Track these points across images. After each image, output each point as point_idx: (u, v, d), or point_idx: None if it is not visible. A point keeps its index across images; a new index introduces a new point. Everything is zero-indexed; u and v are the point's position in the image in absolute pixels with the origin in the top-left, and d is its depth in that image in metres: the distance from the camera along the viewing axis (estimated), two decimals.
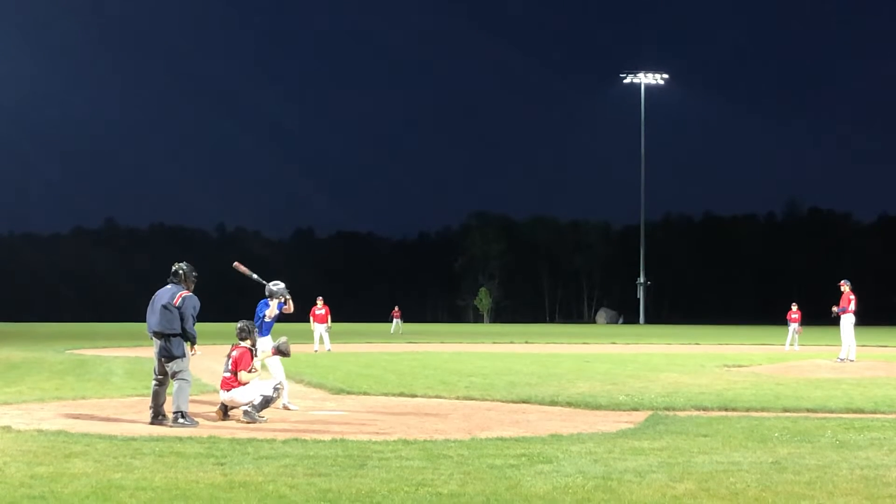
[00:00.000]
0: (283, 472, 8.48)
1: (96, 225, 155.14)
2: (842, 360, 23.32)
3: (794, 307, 37.78)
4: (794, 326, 37.32)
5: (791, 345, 36.66)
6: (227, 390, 12.70)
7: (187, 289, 12.39)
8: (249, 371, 12.78)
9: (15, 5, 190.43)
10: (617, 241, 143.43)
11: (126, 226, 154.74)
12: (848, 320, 24.16)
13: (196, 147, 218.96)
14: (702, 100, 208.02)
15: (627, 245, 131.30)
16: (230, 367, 12.77)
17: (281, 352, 13.70)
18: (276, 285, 14.18)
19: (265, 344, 13.84)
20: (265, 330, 14.03)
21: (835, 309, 24.75)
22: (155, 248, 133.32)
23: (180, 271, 12.47)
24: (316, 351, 31.55)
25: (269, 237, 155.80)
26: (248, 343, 12.99)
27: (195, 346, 12.41)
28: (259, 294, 14.31)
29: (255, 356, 13.10)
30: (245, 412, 12.48)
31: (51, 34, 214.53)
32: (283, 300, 14.07)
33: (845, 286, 24.47)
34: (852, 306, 24.29)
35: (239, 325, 13.10)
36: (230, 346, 13.16)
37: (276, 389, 12.91)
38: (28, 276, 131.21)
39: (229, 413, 12.75)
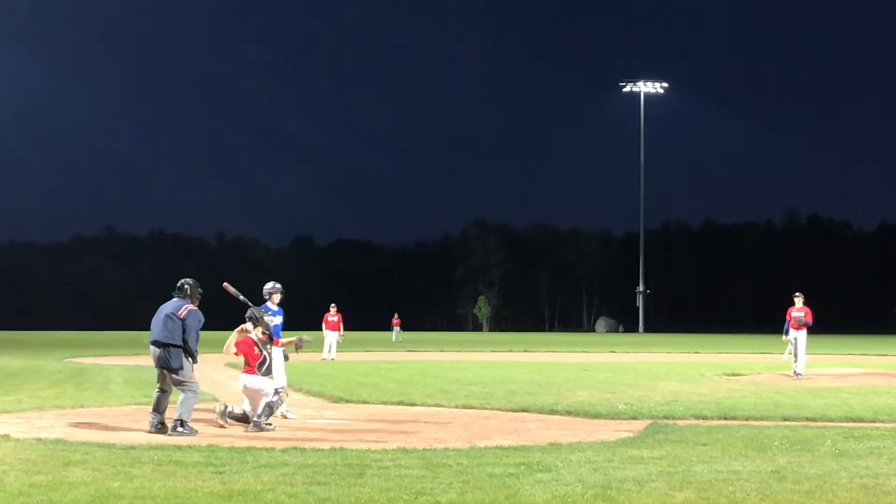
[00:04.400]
0: (282, 481, 8.47)
1: (96, 232, 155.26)
2: (799, 374, 22.70)
3: None
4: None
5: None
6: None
7: (192, 303, 12.42)
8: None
9: (15, 10, 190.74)
10: (617, 249, 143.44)
11: (126, 233, 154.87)
12: (804, 335, 23.29)
13: (196, 154, 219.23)
14: (701, 108, 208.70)
15: (627, 253, 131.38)
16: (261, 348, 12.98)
17: (300, 344, 13.91)
18: (271, 289, 14.23)
19: (276, 353, 13.84)
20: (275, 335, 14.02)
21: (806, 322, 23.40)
22: (155, 256, 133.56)
23: (186, 286, 12.48)
24: (324, 359, 31.53)
25: (268, 244, 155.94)
26: (259, 329, 13.08)
27: (195, 366, 12.39)
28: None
29: (259, 345, 13.10)
30: (253, 422, 12.48)
31: (52, 39, 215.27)
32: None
33: (800, 298, 23.42)
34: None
35: (248, 313, 13.19)
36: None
37: (277, 393, 12.91)
38: (27, 283, 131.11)
39: (229, 421, 12.74)
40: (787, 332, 23.52)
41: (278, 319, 14.10)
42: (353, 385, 19.97)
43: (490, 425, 13.24)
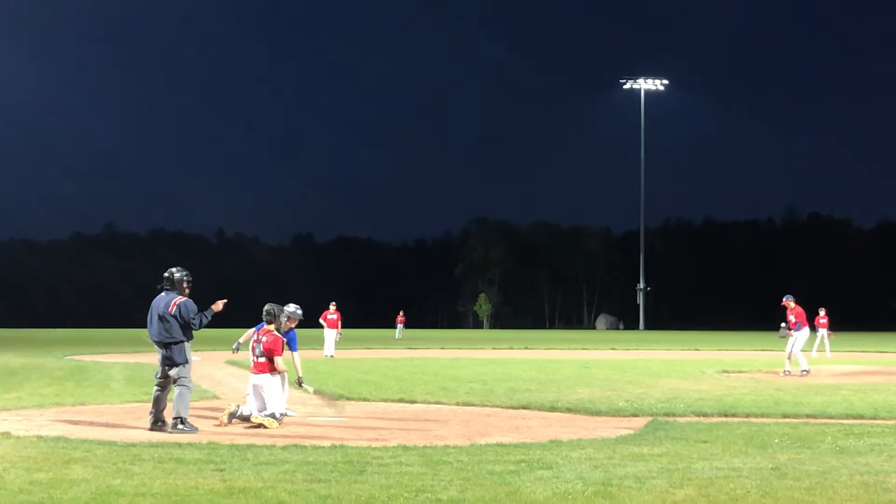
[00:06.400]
0: (283, 478, 8.47)
1: (96, 230, 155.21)
2: (805, 371, 22.95)
3: (822, 312, 36.36)
4: (822, 332, 36.28)
5: (820, 351, 35.40)
6: (258, 373, 12.86)
7: (181, 294, 12.35)
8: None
9: (16, 12, 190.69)
10: (617, 246, 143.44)
11: (126, 231, 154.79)
12: (803, 336, 23.47)
13: (196, 152, 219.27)
14: (702, 105, 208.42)
15: (627, 250, 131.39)
16: (262, 351, 12.88)
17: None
18: (292, 314, 14.16)
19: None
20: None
21: (789, 329, 23.53)
22: (155, 254, 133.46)
23: (172, 277, 12.44)
24: (326, 356, 31.56)
25: (268, 242, 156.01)
26: (273, 326, 13.04)
27: (218, 303, 12.34)
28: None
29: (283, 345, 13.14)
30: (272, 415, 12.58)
31: (51, 40, 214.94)
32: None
33: (790, 302, 23.73)
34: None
35: (266, 307, 13.16)
36: (257, 331, 13.17)
37: (283, 416, 12.95)
38: (28, 281, 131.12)
39: (235, 418, 12.73)
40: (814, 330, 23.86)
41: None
42: (353, 383, 19.98)
43: (490, 422, 13.24)
